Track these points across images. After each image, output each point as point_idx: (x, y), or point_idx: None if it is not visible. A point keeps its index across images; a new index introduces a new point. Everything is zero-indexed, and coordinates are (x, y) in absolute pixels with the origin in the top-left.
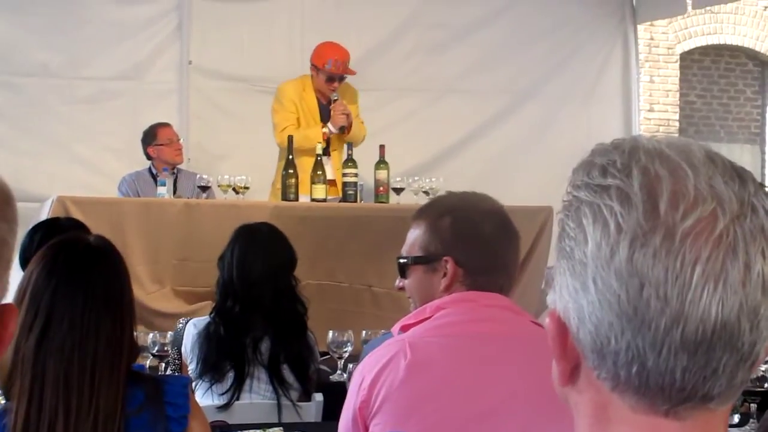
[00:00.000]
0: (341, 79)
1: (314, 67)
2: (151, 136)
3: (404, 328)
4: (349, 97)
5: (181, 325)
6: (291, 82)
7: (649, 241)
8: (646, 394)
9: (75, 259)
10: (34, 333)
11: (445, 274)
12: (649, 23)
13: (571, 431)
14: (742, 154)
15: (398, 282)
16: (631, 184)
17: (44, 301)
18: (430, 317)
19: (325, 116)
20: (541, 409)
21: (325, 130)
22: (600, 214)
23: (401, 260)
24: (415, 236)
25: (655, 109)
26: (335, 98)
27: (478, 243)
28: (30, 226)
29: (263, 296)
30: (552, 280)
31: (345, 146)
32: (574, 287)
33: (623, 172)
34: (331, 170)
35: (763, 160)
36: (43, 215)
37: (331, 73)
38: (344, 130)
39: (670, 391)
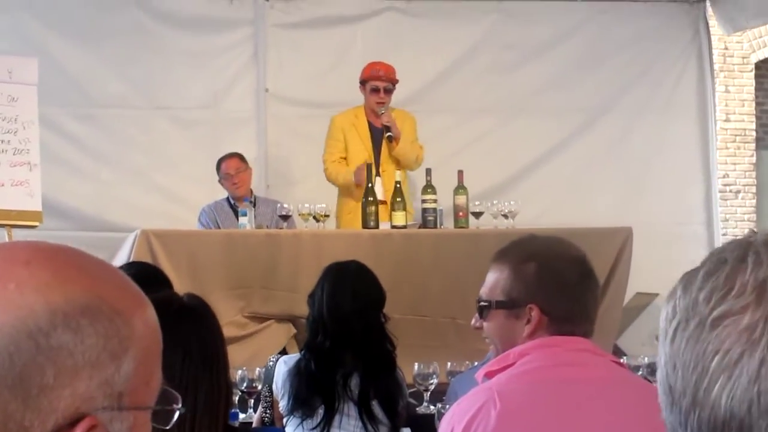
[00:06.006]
0: (386, 90)
1: (361, 85)
2: (217, 169)
3: (489, 375)
4: (404, 122)
5: (271, 362)
6: (343, 113)
7: (688, 325)
8: None
9: (170, 319)
10: None
11: (528, 321)
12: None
13: None
14: None
15: (476, 322)
16: (698, 271)
17: None
18: (513, 363)
19: (376, 139)
20: None
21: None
22: (672, 294)
23: (482, 303)
24: (496, 279)
25: (731, 119)
26: (382, 111)
27: (564, 291)
28: (114, 256)
29: (353, 332)
30: None
31: (403, 172)
32: (659, 352)
33: (708, 259)
34: (381, 191)
35: None
36: (127, 247)
37: (372, 81)
38: (392, 139)
39: None
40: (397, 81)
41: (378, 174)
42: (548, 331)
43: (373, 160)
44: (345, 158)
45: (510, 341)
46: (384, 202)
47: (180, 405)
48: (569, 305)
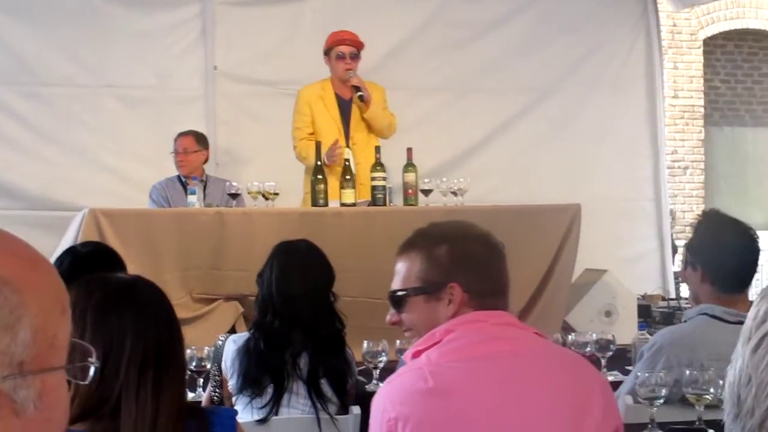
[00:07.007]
0: (352, 56)
1: (326, 56)
2: (174, 141)
3: (416, 354)
4: (373, 92)
5: (220, 341)
6: (309, 86)
7: None
8: None
9: (131, 301)
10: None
11: (450, 301)
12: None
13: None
14: (767, 138)
15: (392, 316)
16: None
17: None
18: (440, 341)
19: (345, 111)
20: (565, 418)
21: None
22: (765, 295)
23: (399, 293)
24: (408, 268)
25: (680, 95)
26: (351, 75)
27: (479, 267)
28: (62, 235)
29: (302, 312)
30: None
31: (374, 148)
32: (738, 351)
33: None
34: (353, 163)
35: None
36: (74, 227)
37: (337, 47)
38: (363, 99)
39: None
40: (362, 47)
41: (348, 146)
42: (471, 307)
43: (342, 132)
44: (312, 133)
45: (434, 324)
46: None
47: (94, 359)
48: (487, 280)
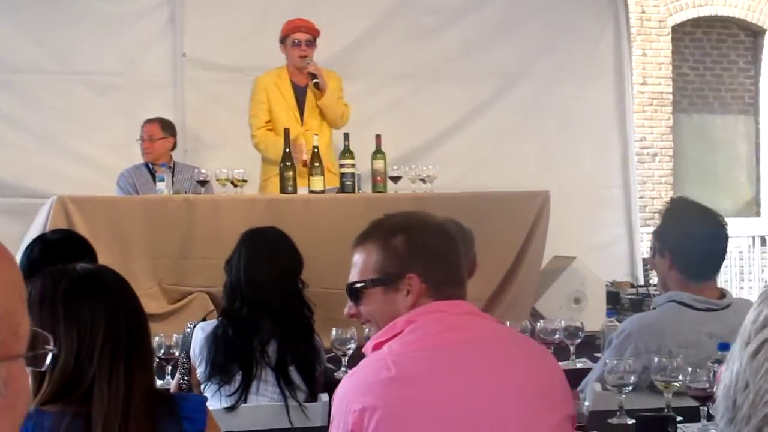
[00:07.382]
0: (308, 43)
1: (282, 44)
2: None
3: (377, 346)
4: (330, 81)
5: (189, 329)
6: (266, 73)
7: None
8: None
9: (96, 292)
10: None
11: (408, 292)
12: None
13: (558, 414)
14: (735, 125)
15: (350, 309)
16: None
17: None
18: (401, 332)
19: (300, 98)
20: (527, 403)
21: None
22: (766, 297)
23: (356, 285)
24: (364, 260)
25: (648, 82)
26: (308, 62)
27: (436, 257)
28: (31, 222)
29: (270, 299)
30: None
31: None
32: (735, 354)
33: None
34: (304, 150)
35: (756, 131)
36: (43, 214)
37: (293, 35)
38: (318, 86)
39: None
40: (318, 34)
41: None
42: (429, 297)
43: (298, 119)
44: (269, 121)
45: (393, 316)
46: (305, 162)
47: (52, 346)
48: (445, 269)
